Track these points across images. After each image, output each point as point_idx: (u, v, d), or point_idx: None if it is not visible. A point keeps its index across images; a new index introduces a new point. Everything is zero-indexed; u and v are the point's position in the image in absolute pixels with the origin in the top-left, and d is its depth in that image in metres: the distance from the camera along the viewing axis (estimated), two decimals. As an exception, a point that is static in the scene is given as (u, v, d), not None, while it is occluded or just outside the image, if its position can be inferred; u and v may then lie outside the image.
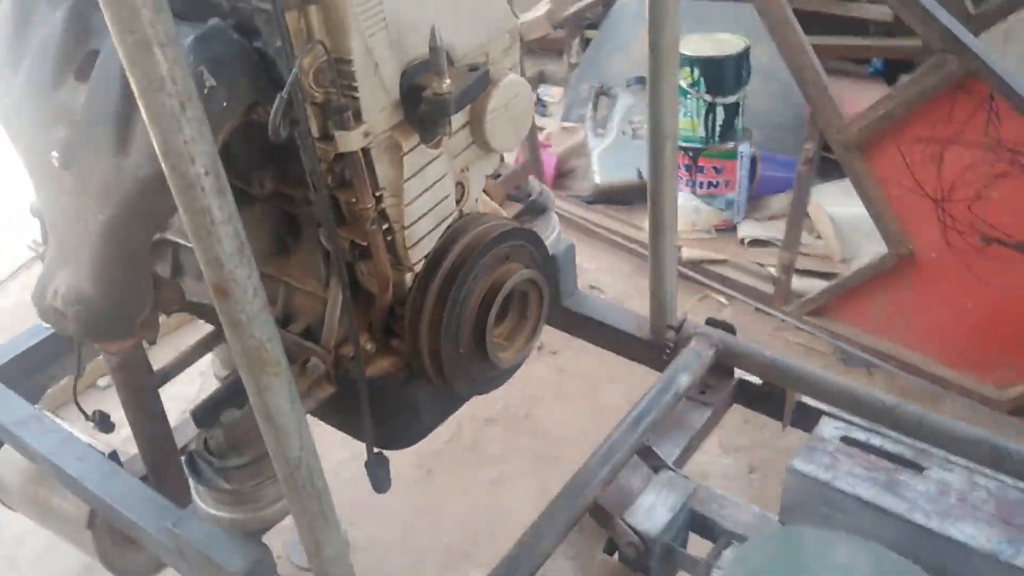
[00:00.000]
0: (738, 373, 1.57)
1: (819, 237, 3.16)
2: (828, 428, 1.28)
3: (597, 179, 3.45)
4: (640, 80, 3.58)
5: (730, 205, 3.25)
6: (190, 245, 1.41)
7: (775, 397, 1.54)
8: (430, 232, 1.22)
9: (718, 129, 3.13)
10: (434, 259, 1.24)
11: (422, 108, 1.09)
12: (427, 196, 1.19)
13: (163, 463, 1.55)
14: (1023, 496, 1.18)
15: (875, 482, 1.20)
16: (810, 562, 1.15)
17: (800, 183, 2.72)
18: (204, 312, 1.45)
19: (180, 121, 0.77)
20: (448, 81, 1.07)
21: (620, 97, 3.61)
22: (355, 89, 1.07)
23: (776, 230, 3.24)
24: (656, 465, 1.39)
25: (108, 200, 1.15)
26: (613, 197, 3.44)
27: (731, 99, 3.09)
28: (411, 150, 1.14)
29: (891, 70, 3.94)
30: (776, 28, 2.56)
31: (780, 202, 3.31)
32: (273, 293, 1.35)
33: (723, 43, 3.10)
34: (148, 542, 1.43)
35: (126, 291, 1.25)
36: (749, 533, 1.30)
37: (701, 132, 3.14)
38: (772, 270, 3.05)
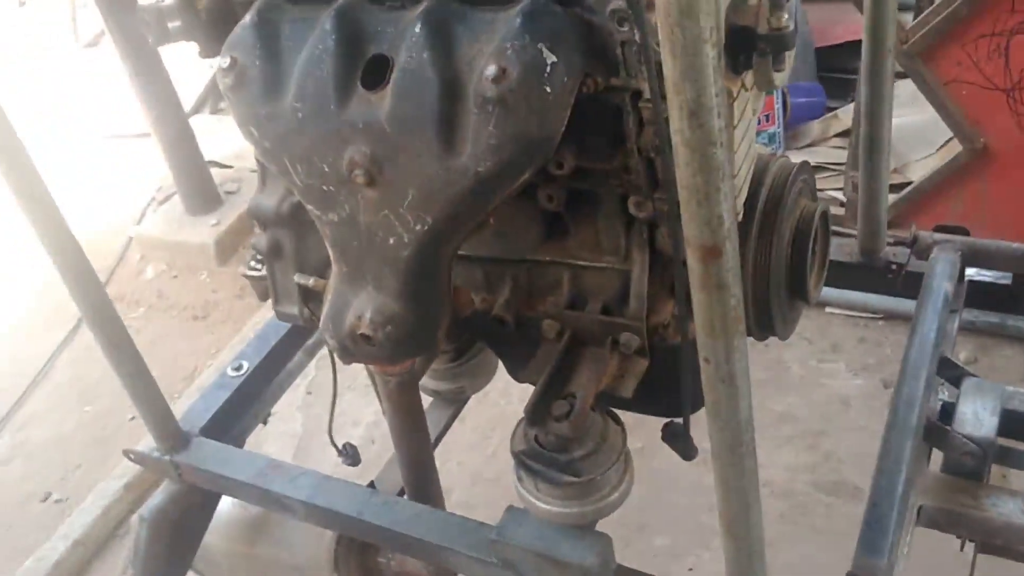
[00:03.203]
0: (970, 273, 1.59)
1: (866, 153, 3.21)
2: None
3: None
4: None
5: (772, 139, 3.29)
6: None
7: (1013, 291, 1.56)
8: (747, 178, 1.19)
9: (752, 66, 3.15)
10: (749, 204, 1.21)
11: (760, 46, 1.06)
12: (745, 142, 1.16)
13: (427, 481, 1.50)
14: None
15: None
16: None
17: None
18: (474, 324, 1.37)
19: (716, 75, 0.73)
20: (787, 15, 1.05)
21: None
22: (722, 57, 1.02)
23: (820, 155, 3.30)
24: (955, 376, 1.40)
25: (431, 206, 1.09)
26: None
27: (760, 34, 3.11)
28: (737, 95, 1.11)
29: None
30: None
31: (817, 127, 3.36)
32: (556, 278, 1.30)
33: (741, -19, 3.11)
34: (462, 563, 1.37)
35: (432, 303, 1.19)
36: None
37: (737, 72, 3.15)
38: (831, 194, 3.10)
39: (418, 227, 1.11)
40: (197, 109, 4.53)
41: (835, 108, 3.46)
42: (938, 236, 1.57)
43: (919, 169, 3.03)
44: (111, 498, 2.63)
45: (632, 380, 1.26)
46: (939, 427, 1.31)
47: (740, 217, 1.19)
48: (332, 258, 1.21)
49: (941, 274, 1.49)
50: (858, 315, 2.76)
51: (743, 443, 0.98)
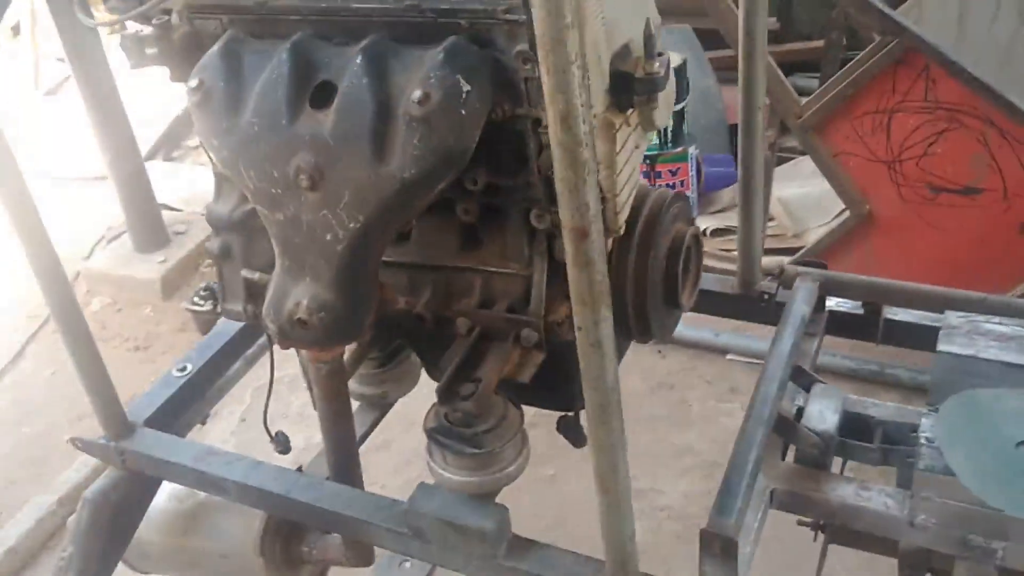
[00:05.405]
0: (829, 304, 1.84)
1: (771, 219, 3.53)
2: (953, 318, 1.56)
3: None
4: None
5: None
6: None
7: (865, 319, 1.82)
8: (628, 199, 1.43)
9: (670, 136, 3.46)
10: (630, 222, 1.44)
11: (636, 87, 1.31)
12: (627, 167, 1.40)
13: (350, 465, 1.66)
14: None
15: (1011, 349, 1.49)
16: (992, 412, 1.42)
17: (766, 168, 3.07)
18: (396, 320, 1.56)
19: (581, 90, 0.97)
20: (658, 63, 1.30)
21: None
22: (587, 78, 1.27)
23: (730, 219, 3.60)
24: (806, 383, 1.63)
25: (363, 207, 1.30)
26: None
27: (678, 107, 3.43)
28: (620, 127, 1.35)
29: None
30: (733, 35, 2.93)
31: (728, 195, 3.67)
32: (470, 282, 1.52)
33: (662, 59, 3.44)
34: (378, 535, 1.54)
35: (360, 294, 1.40)
36: (901, 420, 1.56)
37: (655, 140, 3.46)
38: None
39: (351, 225, 1.32)
40: (152, 155, 4.71)
41: (746, 179, 3.78)
42: (801, 269, 1.83)
43: (816, 235, 3.34)
44: (45, 511, 2.74)
45: (530, 369, 1.47)
46: (788, 421, 1.53)
47: (622, 232, 1.43)
48: (276, 252, 1.41)
49: (800, 300, 1.73)
50: (755, 362, 3.02)
51: (611, 402, 1.19)
